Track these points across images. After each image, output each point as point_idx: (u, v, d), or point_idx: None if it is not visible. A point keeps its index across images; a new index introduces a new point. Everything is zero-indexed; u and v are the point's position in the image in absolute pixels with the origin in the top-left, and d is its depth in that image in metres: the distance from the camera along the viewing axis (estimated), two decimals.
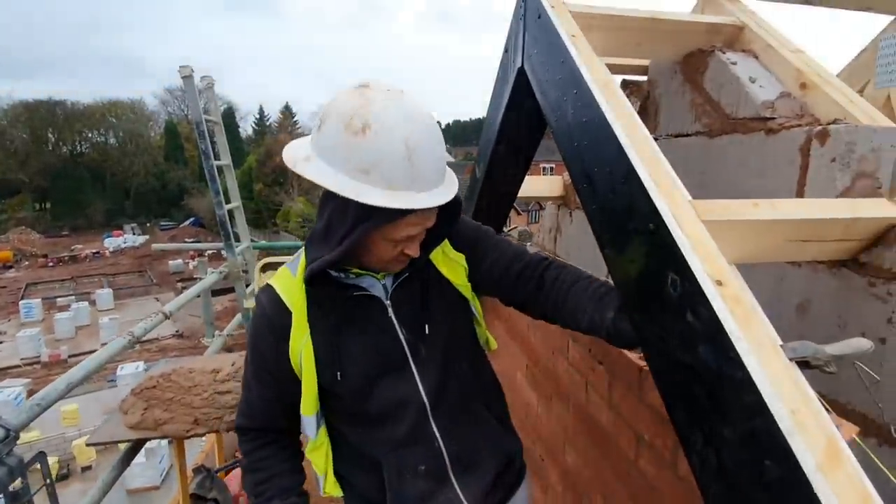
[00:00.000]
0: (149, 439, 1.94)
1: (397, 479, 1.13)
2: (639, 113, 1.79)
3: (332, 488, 1.18)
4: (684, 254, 0.75)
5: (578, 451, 1.72)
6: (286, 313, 1.07)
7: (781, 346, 0.78)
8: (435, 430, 1.11)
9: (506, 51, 1.69)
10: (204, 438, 2.73)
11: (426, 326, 1.10)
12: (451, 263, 1.14)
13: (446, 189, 0.96)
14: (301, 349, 1.07)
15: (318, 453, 1.17)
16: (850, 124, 1.04)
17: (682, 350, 0.75)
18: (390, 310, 1.09)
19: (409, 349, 1.09)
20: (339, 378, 1.08)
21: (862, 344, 0.80)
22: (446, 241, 1.13)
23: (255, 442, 1.17)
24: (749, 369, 0.63)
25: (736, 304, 0.69)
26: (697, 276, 0.73)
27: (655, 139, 1.71)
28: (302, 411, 1.12)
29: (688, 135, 1.53)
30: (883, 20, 2.15)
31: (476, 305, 1.21)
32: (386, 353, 1.09)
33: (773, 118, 1.21)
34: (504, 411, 1.31)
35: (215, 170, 4.13)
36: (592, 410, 1.58)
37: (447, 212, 1.01)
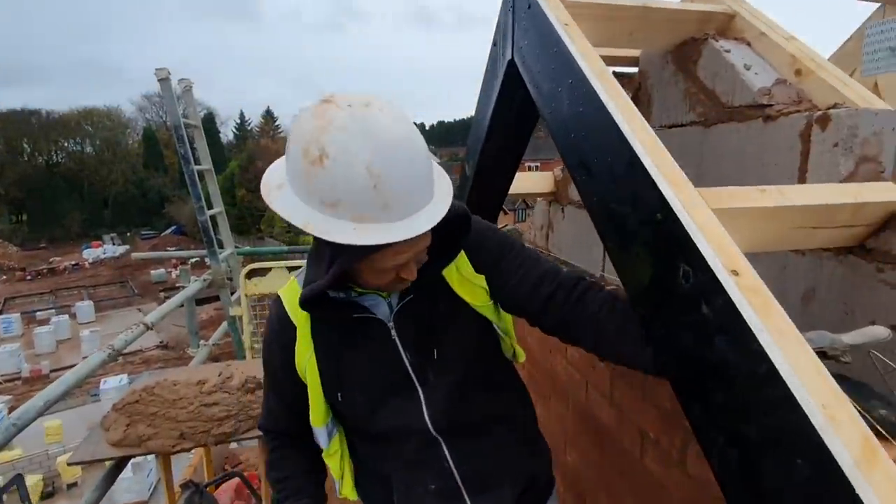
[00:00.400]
0: (133, 456, 1.86)
1: (406, 495, 1.10)
2: None
3: (348, 492, 1.18)
4: (696, 243, 0.72)
5: (580, 450, 1.69)
6: (291, 327, 1.04)
7: None
8: (446, 452, 1.06)
9: (494, 44, 1.64)
10: (192, 452, 2.64)
11: (434, 350, 1.03)
12: (468, 285, 1.05)
13: (434, 208, 0.84)
14: (306, 365, 1.04)
15: (332, 459, 1.16)
16: (851, 108, 1.02)
17: (697, 344, 0.72)
18: (394, 332, 1.03)
19: (415, 373, 1.04)
20: (339, 399, 1.06)
21: (879, 332, 0.77)
22: (464, 259, 1.04)
23: (274, 442, 1.20)
24: (774, 362, 0.59)
25: (754, 295, 0.66)
26: (712, 266, 0.69)
27: None
28: (311, 423, 1.10)
29: (682, 125, 1.50)
30: (866, 10, 2.17)
31: (502, 321, 1.13)
32: (388, 377, 1.04)
33: (771, 105, 1.19)
34: (530, 426, 1.25)
35: (196, 175, 4.03)
36: (593, 409, 1.54)
37: (452, 225, 0.91)
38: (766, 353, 0.60)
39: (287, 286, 1.09)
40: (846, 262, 1.00)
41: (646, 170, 0.83)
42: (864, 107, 1.05)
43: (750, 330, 0.63)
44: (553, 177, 2.34)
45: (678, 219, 0.75)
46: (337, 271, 0.85)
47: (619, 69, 1.91)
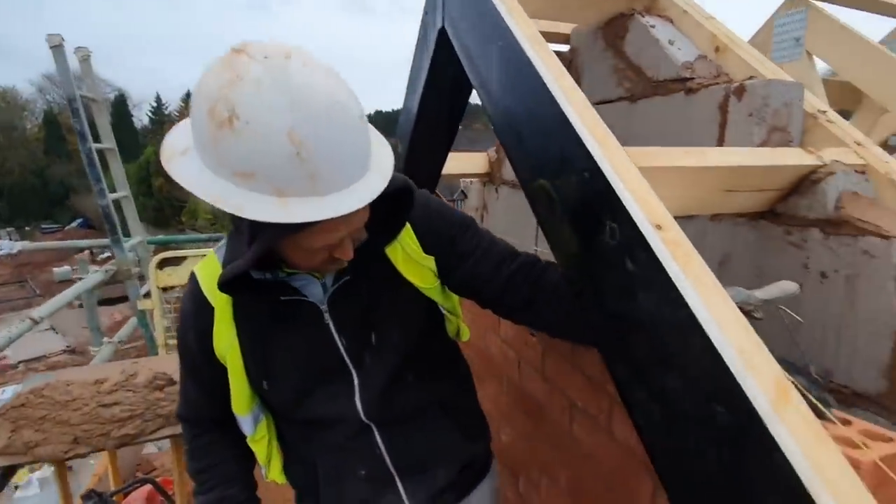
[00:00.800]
0: (19, 466, 1.63)
1: (335, 481, 1.04)
2: None
3: (276, 475, 1.10)
4: (622, 199, 0.70)
5: (514, 427, 1.69)
6: (207, 309, 0.92)
7: None
8: (378, 439, 1.00)
9: (425, 13, 1.58)
10: (92, 459, 2.39)
11: (372, 335, 0.96)
12: (414, 266, 0.97)
13: (370, 182, 0.75)
14: (226, 350, 0.93)
15: (259, 445, 1.07)
16: (765, 79, 1.06)
17: (621, 301, 0.71)
18: (327, 315, 0.94)
19: (350, 359, 0.96)
20: (266, 387, 0.96)
21: (789, 287, 0.80)
22: (411, 237, 0.96)
23: (195, 430, 1.10)
24: (695, 311, 0.59)
25: (676, 247, 0.65)
26: (636, 221, 0.68)
27: None
28: (235, 411, 1.00)
29: (611, 101, 1.52)
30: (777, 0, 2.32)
31: (448, 302, 1.08)
32: (320, 363, 0.95)
33: (693, 78, 1.22)
34: (470, 409, 1.21)
35: (94, 153, 3.62)
36: (526, 385, 1.54)
37: (394, 199, 0.84)
38: (686, 303, 0.59)
39: (204, 262, 0.97)
40: (758, 227, 1.05)
41: (574, 129, 0.81)
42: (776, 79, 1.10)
43: (671, 281, 0.62)
44: (487, 158, 2.32)
45: (605, 176, 0.74)
46: (259, 251, 0.75)
47: (552, 46, 1.92)
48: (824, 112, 1.09)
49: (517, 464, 1.68)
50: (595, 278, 0.77)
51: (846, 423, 0.74)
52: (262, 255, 0.76)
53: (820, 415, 0.69)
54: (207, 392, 1.03)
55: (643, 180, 0.74)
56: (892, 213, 0.91)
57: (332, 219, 0.71)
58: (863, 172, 0.95)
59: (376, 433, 1.00)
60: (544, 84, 0.88)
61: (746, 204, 0.99)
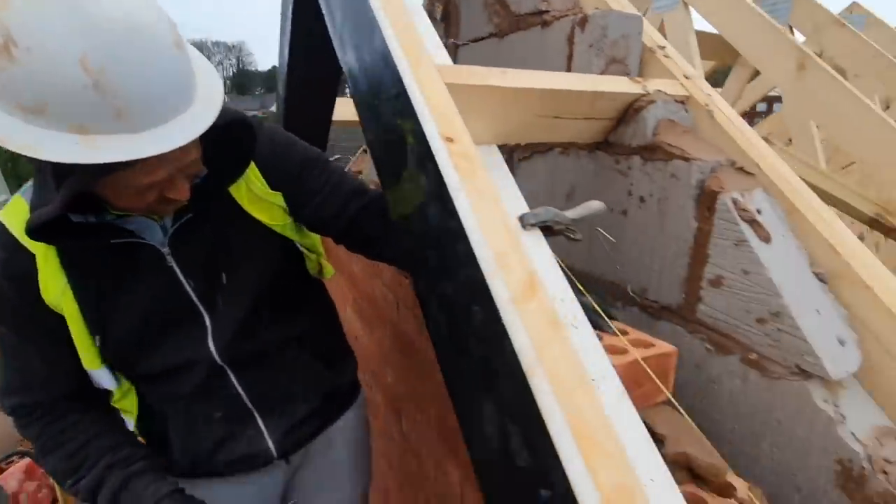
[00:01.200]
0: None
1: (188, 429, 1.00)
2: (443, 20, 1.73)
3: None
4: (418, 113, 0.69)
5: (395, 368, 1.72)
6: (26, 256, 0.81)
7: (524, 214, 0.78)
8: (233, 380, 0.97)
9: None
10: None
11: (223, 275, 0.92)
12: (261, 203, 0.93)
13: (195, 116, 0.69)
14: (60, 300, 0.83)
15: (127, 400, 0.98)
16: (605, 10, 1.07)
17: (419, 217, 0.71)
18: (170, 258, 0.87)
19: (201, 302, 0.91)
20: (105, 339, 0.88)
21: (594, 205, 0.83)
22: (256, 175, 0.91)
23: (44, 418, 0.91)
24: (461, 217, 0.59)
25: (462, 159, 0.65)
26: (427, 133, 0.67)
27: (457, 46, 1.66)
28: (86, 366, 0.90)
29: (483, 38, 1.50)
30: None
31: (305, 239, 1.05)
32: (166, 310, 0.89)
33: (548, 11, 1.21)
34: (332, 342, 1.20)
35: None
36: (402, 325, 1.57)
37: (233, 133, 0.78)
38: (456, 210, 0.60)
39: (9, 207, 0.85)
40: (595, 158, 1.09)
41: (388, 48, 0.77)
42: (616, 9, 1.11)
43: (447, 190, 0.62)
44: None
45: (407, 91, 0.72)
46: (67, 196, 0.67)
47: None
48: (663, 48, 1.13)
49: (399, 403, 1.72)
50: (400, 196, 0.76)
51: (624, 332, 0.80)
52: (72, 199, 0.68)
53: (599, 326, 0.74)
54: (50, 358, 0.89)
55: (447, 96, 0.73)
56: (702, 140, 0.96)
57: (153, 156, 0.64)
58: (683, 102, 1.00)
59: (231, 374, 0.98)
60: (371, 9, 0.84)
61: (581, 133, 1.02)
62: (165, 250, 0.88)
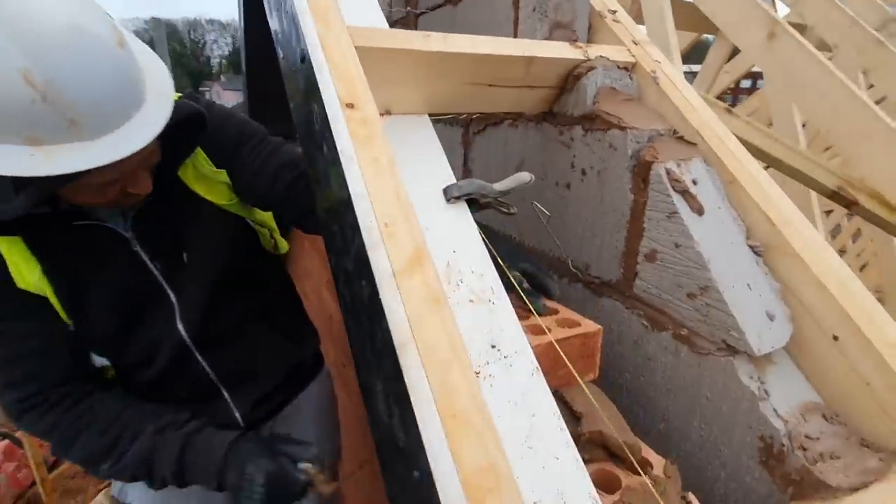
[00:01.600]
0: None
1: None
2: None
3: None
4: (319, 79, 0.65)
5: None
6: None
7: (448, 186, 0.75)
8: (199, 359, 0.97)
9: None
10: None
11: (184, 254, 0.92)
12: (207, 182, 0.93)
13: (149, 115, 0.69)
14: (40, 284, 0.81)
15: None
16: None
17: (324, 188, 0.67)
18: (135, 242, 0.87)
19: (167, 283, 0.91)
20: (79, 326, 0.86)
21: (522, 177, 0.80)
22: (200, 155, 0.91)
23: (60, 405, 0.83)
24: (350, 184, 0.56)
25: (360, 126, 0.61)
26: (327, 99, 0.63)
27: (417, 16, 1.60)
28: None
29: (439, 5, 1.44)
30: None
31: (257, 215, 1.04)
32: (136, 295, 0.89)
33: None
34: (294, 316, 1.20)
35: None
36: None
37: (185, 119, 0.77)
38: (345, 178, 0.57)
39: None
40: (541, 129, 1.04)
41: (296, 7, 0.73)
42: None
43: (340, 157, 0.58)
44: None
45: (311, 54, 0.67)
46: (30, 205, 0.67)
47: None
48: (614, 12, 1.07)
49: None
50: (314, 173, 0.72)
51: (554, 311, 0.78)
52: (34, 205, 0.68)
53: (527, 307, 0.72)
54: (47, 339, 0.83)
55: (355, 61, 0.69)
56: (644, 108, 0.92)
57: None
58: (627, 69, 0.95)
59: (197, 353, 0.97)
60: None
61: (522, 103, 0.97)
62: (129, 235, 0.87)
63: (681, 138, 0.87)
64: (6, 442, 2.37)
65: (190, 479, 0.86)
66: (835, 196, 1.30)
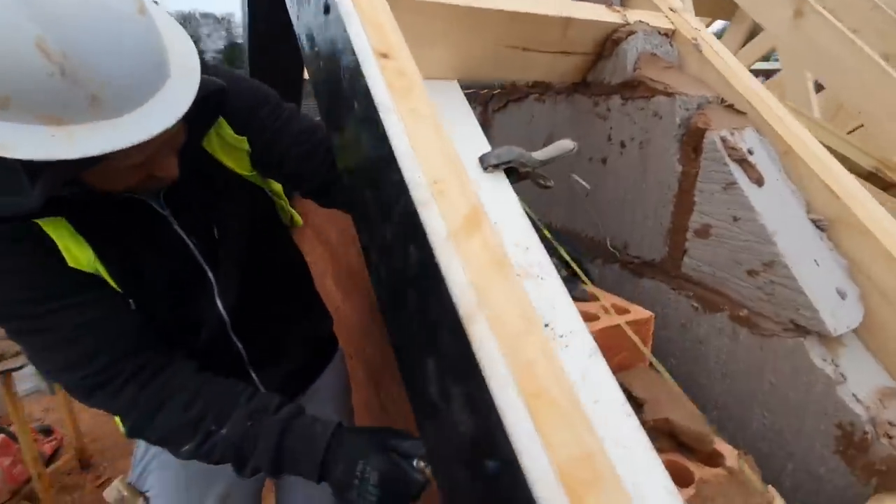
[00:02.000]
0: None
1: None
2: None
3: None
4: (348, 28, 0.58)
5: (374, 339, 1.64)
6: (24, 228, 0.70)
7: (485, 154, 0.68)
8: (235, 339, 0.93)
9: None
10: None
11: (214, 229, 0.87)
12: (231, 151, 0.87)
13: (175, 91, 0.62)
14: (96, 266, 0.75)
15: None
16: None
17: (354, 151, 0.60)
18: (172, 220, 0.81)
19: (205, 260, 0.86)
20: (133, 306, 0.80)
21: (565, 144, 0.73)
22: (222, 123, 0.84)
23: (138, 376, 0.76)
24: (391, 139, 0.49)
25: (398, 77, 0.55)
26: (358, 48, 0.56)
27: None
28: None
29: None
30: None
31: (273, 185, 1.00)
32: (178, 273, 0.84)
33: None
34: (311, 293, 1.16)
35: None
36: None
37: (208, 95, 0.70)
38: (385, 132, 0.50)
39: None
40: (572, 102, 0.98)
41: None
42: None
43: (377, 110, 0.51)
44: None
45: (337, 3, 0.61)
46: (46, 194, 0.60)
47: None
48: None
49: (379, 376, 1.64)
50: (341, 139, 0.65)
51: (594, 297, 0.71)
52: (51, 192, 0.61)
53: (571, 290, 0.65)
54: (114, 309, 0.76)
55: (384, 5, 0.62)
56: (687, 75, 0.86)
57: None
58: (667, 36, 0.89)
59: (232, 331, 0.92)
60: None
61: (555, 70, 0.91)
62: (167, 212, 0.81)
63: (730, 106, 0.80)
64: (1, 436, 2.27)
65: (288, 469, 0.77)
66: (871, 177, 1.24)
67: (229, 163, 0.87)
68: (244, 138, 0.87)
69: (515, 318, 0.41)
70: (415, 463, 0.75)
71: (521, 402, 0.36)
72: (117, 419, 0.84)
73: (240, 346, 0.94)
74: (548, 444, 0.35)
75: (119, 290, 0.77)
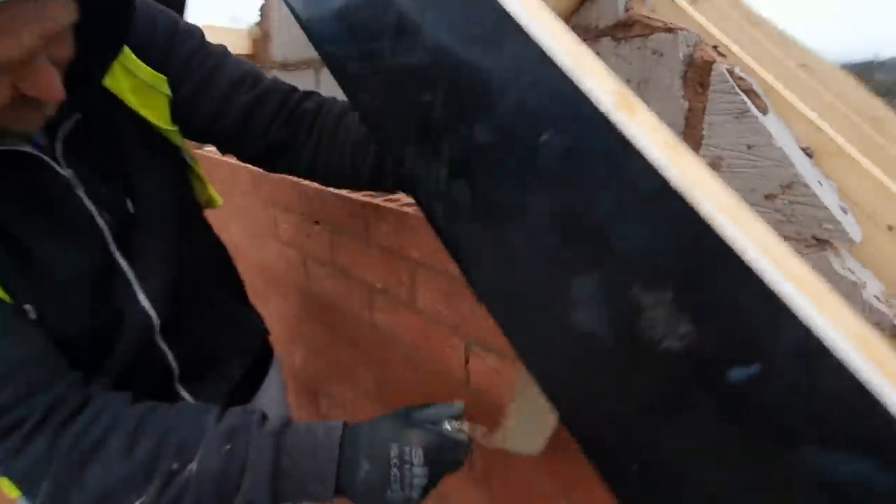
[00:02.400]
0: None
1: None
2: None
3: None
4: None
5: (307, 344, 1.43)
6: None
7: None
8: (163, 346, 0.72)
9: None
10: None
11: (128, 202, 0.66)
12: (146, 95, 0.67)
13: None
14: None
15: None
16: None
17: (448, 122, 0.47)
18: (77, 184, 0.59)
19: (115, 241, 0.63)
20: (31, 310, 0.57)
21: None
22: (128, 55, 0.64)
23: (50, 420, 0.53)
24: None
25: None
26: None
27: None
28: None
29: None
30: None
31: (190, 152, 0.81)
32: (91, 257, 0.62)
33: None
34: (239, 282, 0.99)
35: None
36: (315, 287, 1.28)
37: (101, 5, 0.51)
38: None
39: None
40: None
41: None
42: None
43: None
44: (248, 34, 1.86)
45: None
46: None
47: None
48: None
49: (316, 384, 1.43)
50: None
51: None
52: None
53: None
54: (13, 327, 0.55)
55: None
56: (682, 12, 0.88)
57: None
58: None
59: (159, 336, 0.70)
60: None
61: None
62: (68, 173, 0.58)
63: (715, 47, 0.83)
64: None
65: (291, 495, 0.58)
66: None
67: (143, 111, 0.67)
68: (163, 77, 0.68)
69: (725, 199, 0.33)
70: (447, 426, 0.64)
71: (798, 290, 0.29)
72: (12, 492, 0.56)
73: (169, 355, 0.73)
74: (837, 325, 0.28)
75: (8, 297, 0.54)
